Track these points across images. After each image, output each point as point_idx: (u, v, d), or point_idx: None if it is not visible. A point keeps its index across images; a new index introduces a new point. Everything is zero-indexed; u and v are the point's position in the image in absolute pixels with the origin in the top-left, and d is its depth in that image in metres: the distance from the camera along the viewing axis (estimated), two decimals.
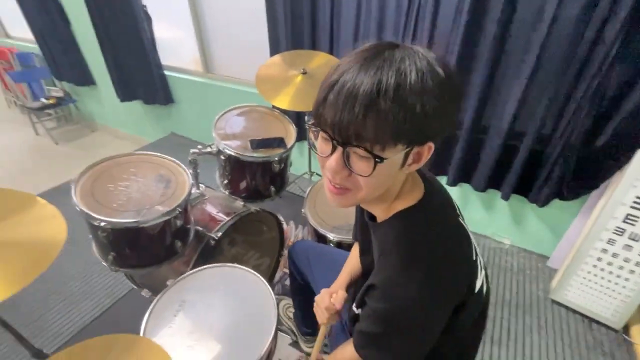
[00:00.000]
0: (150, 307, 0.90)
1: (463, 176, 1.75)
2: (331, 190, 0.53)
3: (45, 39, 3.12)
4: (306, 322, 1.31)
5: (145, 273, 1.24)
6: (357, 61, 0.44)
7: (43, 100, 3.35)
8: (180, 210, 0.98)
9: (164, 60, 2.63)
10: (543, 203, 1.58)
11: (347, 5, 1.61)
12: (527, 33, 1.31)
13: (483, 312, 0.69)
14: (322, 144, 0.50)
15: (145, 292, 1.31)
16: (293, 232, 2.01)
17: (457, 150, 1.65)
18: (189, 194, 1.02)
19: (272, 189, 1.37)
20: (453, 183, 1.76)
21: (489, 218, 1.89)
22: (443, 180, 1.81)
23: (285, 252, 1.63)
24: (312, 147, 1.93)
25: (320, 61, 1.54)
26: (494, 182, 1.68)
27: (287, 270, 1.71)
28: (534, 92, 1.40)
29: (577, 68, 1.28)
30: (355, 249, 0.98)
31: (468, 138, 1.59)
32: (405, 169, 0.51)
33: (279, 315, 0.93)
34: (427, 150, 0.50)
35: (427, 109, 0.43)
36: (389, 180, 0.52)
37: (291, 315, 1.45)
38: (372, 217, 0.66)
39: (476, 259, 0.61)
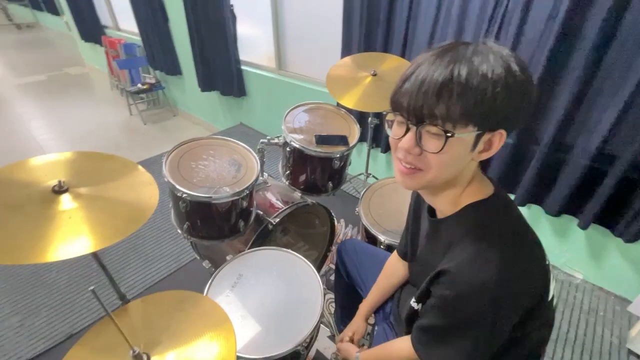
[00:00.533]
0: (213, 275, 1.00)
1: (534, 197, 1.61)
2: (402, 171, 0.55)
3: (147, 32, 3.58)
4: (344, 321, 1.33)
5: (210, 245, 1.38)
6: (432, 55, 0.49)
7: (139, 85, 3.86)
8: (247, 192, 1.07)
9: (242, 56, 2.85)
10: (630, 239, 1.39)
11: (425, 9, 1.59)
12: (634, 47, 1.16)
13: (548, 334, 0.66)
14: (396, 128, 0.54)
15: (205, 264, 1.45)
16: (343, 230, 2.04)
17: (531, 166, 1.52)
18: (256, 179, 1.11)
19: (330, 184, 1.42)
20: (522, 203, 1.63)
21: (560, 246, 1.71)
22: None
23: (334, 248, 1.67)
24: (371, 148, 1.94)
25: (392, 64, 1.54)
26: (571, 207, 1.51)
27: (332, 266, 1.75)
28: (633, 113, 1.23)
29: None
30: (388, 267, 0.99)
31: (546, 155, 1.46)
32: (476, 155, 0.53)
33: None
34: (499, 138, 0.51)
35: (498, 94, 0.45)
36: (459, 163, 0.53)
37: (332, 310, 1.49)
38: (434, 215, 0.67)
39: (548, 265, 0.59)
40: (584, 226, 1.49)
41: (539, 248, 0.57)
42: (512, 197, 1.66)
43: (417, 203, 0.82)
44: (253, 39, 2.80)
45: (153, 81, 3.93)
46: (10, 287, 1.68)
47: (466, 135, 0.49)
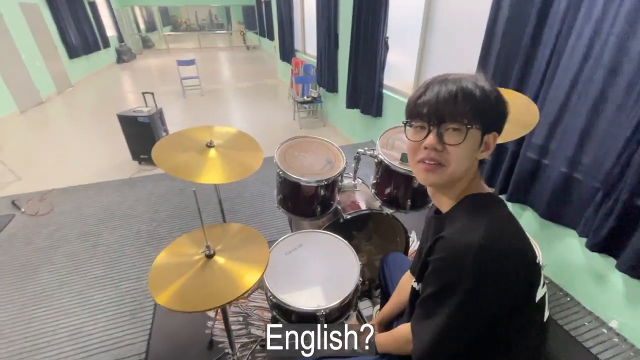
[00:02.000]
0: (283, 237, 1.31)
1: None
2: (425, 169, 0.65)
3: (321, 56, 4.40)
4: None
5: (295, 219, 1.70)
6: (437, 78, 0.65)
7: (305, 97, 4.76)
8: (326, 183, 1.33)
9: (385, 80, 3.15)
10: None
11: (573, 46, 1.44)
12: None
13: (540, 343, 0.68)
14: (414, 133, 0.66)
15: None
16: (416, 247, 2.01)
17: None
18: (337, 176, 1.35)
19: (409, 203, 1.50)
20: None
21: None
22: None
23: None
24: None
25: (520, 101, 1.47)
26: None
27: None
28: None
29: None
30: (401, 284, 1.04)
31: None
32: (479, 154, 0.65)
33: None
34: (493, 139, 0.65)
35: (493, 101, 0.62)
36: (471, 158, 0.64)
37: None
38: (433, 216, 0.76)
39: (539, 264, 0.63)
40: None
41: (531, 246, 0.62)
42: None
43: (427, 219, 0.87)
44: (398, 66, 3.06)
45: (315, 95, 4.77)
46: (185, 214, 2.52)
47: (476, 134, 0.62)
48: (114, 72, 9.33)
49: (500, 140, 1.39)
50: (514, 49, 1.71)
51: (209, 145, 1.19)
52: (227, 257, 0.94)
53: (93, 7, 9.10)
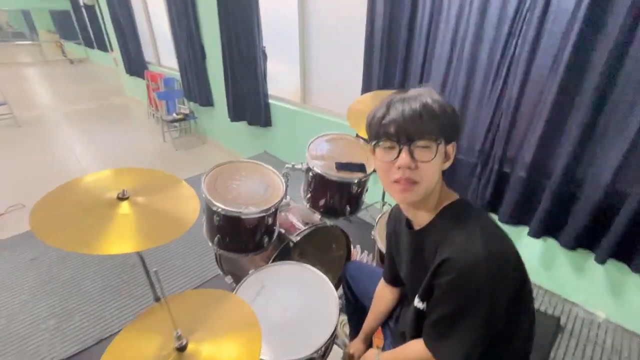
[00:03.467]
0: (239, 284, 1.10)
1: (549, 229, 1.64)
2: (402, 189, 0.66)
3: (186, 68, 3.97)
4: None
5: (235, 260, 1.48)
6: (397, 95, 0.67)
7: (174, 114, 4.21)
8: (273, 210, 1.19)
9: (270, 90, 3.11)
10: None
11: (439, 53, 1.75)
12: (636, 88, 1.25)
13: (530, 337, 0.75)
14: (384, 154, 0.67)
15: (228, 279, 1.55)
16: (358, 256, 2.10)
17: (544, 199, 1.57)
18: (282, 198, 1.23)
19: (348, 208, 1.52)
20: (536, 235, 1.65)
21: (578, 282, 1.69)
22: (524, 231, 1.71)
23: None
24: None
25: None
26: (586, 241, 1.53)
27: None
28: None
29: None
30: (377, 295, 1.06)
31: (558, 189, 1.51)
32: (443, 165, 0.68)
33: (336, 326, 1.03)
34: (452, 149, 0.69)
35: (453, 113, 0.66)
36: (439, 171, 0.68)
37: (347, 331, 1.52)
38: (413, 230, 0.77)
39: (518, 253, 0.67)
40: (600, 261, 1.49)
41: (508, 237, 0.67)
42: (526, 229, 1.70)
43: (394, 228, 0.92)
44: (281, 75, 3.07)
45: (187, 111, 4.29)
46: (50, 290, 1.82)
47: (442, 145, 0.65)
48: None
49: None
50: (393, 52, 1.95)
51: (121, 198, 0.87)
52: (206, 341, 0.71)
53: None
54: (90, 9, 8.15)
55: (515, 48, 1.49)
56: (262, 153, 3.56)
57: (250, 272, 1.22)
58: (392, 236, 0.93)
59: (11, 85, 7.57)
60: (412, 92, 0.66)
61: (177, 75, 4.37)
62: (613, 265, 1.51)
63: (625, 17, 1.20)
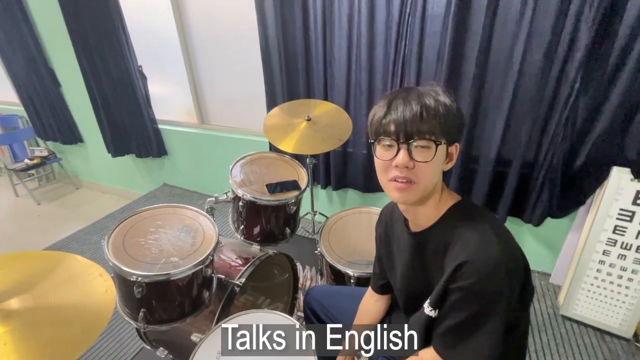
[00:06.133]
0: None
1: None
2: (399, 187, 0.64)
3: (32, 101, 3.14)
4: None
5: (175, 327, 1.20)
6: (399, 95, 0.64)
7: (27, 160, 3.28)
8: (211, 258, 0.99)
9: (158, 115, 2.71)
10: (537, 222, 1.69)
11: (338, 57, 1.79)
12: (502, 73, 1.51)
13: (527, 333, 0.76)
14: (383, 152, 0.65)
15: (160, 352, 1.25)
16: (301, 274, 2.00)
17: (451, 180, 1.77)
18: (217, 242, 1.03)
19: (287, 230, 1.41)
20: None
21: None
22: None
23: (300, 294, 1.62)
24: (313, 186, 2.01)
25: (322, 108, 1.67)
26: (489, 206, 1.79)
27: (301, 314, 1.68)
28: (514, 124, 1.56)
29: (549, 101, 1.47)
30: (364, 308, 1.01)
31: (461, 167, 1.72)
32: (445, 166, 0.67)
33: None
34: (455, 150, 0.67)
35: (456, 113, 0.64)
36: (438, 171, 0.66)
37: None
38: (412, 231, 0.74)
39: None
40: (502, 220, 1.77)
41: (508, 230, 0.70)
42: None
43: (385, 231, 0.88)
44: (169, 96, 2.70)
45: (45, 154, 3.39)
46: None
47: (443, 146, 0.63)
48: None
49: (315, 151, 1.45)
50: (292, 60, 1.91)
51: None
52: None
53: None
54: None
55: (405, 48, 1.63)
56: (161, 186, 3.09)
57: (194, 338, 0.99)
58: (382, 239, 0.88)
59: None
60: (415, 91, 0.64)
61: (19, 110, 3.42)
62: (511, 221, 1.81)
63: (484, 16, 1.42)
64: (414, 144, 0.61)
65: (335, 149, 2.01)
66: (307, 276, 1.97)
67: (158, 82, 2.63)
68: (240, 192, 1.24)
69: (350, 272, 1.28)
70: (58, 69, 2.90)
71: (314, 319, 1.14)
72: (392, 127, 0.62)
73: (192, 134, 2.65)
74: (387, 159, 0.64)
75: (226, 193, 1.30)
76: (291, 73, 1.95)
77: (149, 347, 1.31)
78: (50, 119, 3.14)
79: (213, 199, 1.28)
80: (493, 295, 0.59)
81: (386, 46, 1.66)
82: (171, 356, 1.25)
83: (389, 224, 0.86)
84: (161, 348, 1.25)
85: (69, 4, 2.36)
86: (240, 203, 1.27)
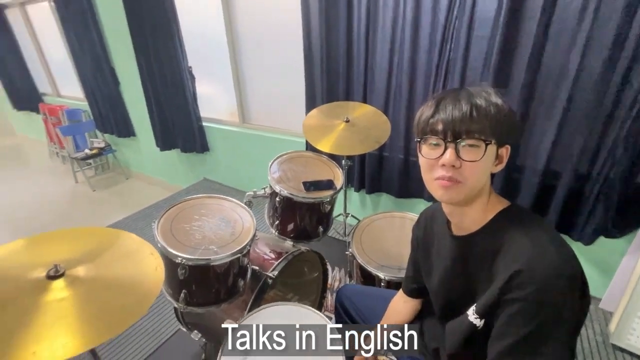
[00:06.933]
0: (221, 349, 0.92)
1: None
2: (444, 185, 0.62)
3: (95, 97, 3.46)
4: None
5: (211, 311, 1.26)
6: (448, 95, 0.63)
7: (87, 150, 3.63)
8: (248, 248, 1.04)
9: (203, 113, 2.88)
10: (588, 241, 1.57)
11: (380, 60, 1.79)
12: (555, 81, 1.42)
13: None
14: (429, 150, 0.64)
15: (194, 335, 1.32)
16: (330, 274, 2.01)
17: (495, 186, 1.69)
18: (254, 234, 1.08)
19: (320, 229, 1.42)
20: None
21: None
22: None
23: (328, 294, 1.63)
24: (346, 189, 2.02)
25: (360, 111, 1.68)
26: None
27: (329, 314, 1.69)
28: (566, 134, 1.46)
29: (608, 112, 1.36)
30: (393, 309, 0.99)
31: (504, 177, 1.64)
32: (493, 167, 0.65)
33: None
34: (506, 152, 0.65)
35: (507, 115, 0.62)
36: (487, 173, 0.64)
37: None
38: (457, 236, 0.72)
39: None
40: None
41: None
42: None
43: (424, 234, 0.87)
44: (214, 96, 2.86)
45: (102, 145, 3.73)
46: None
47: (492, 146, 0.61)
48: None
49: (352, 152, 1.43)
50: (333, 63, 1.94)
51: (53, 276, 0.64)
52: None
53: None
54: None
55: (449, 52, 1.59)
56: (202, 180, 3.26)
57: (226, 325, 1.04)
58: (420, 242, 0.87)
59: None
60: (464, 91, 0.63)
61: (84, 105, 3.80)
62: None
63: (538, 20, 1.36)
64: (462, 143, 0.60)
65: (371, 153, 2.01)
66: (336, 277, 1.98)
67: (204, 82, 2.79)
68: (277, 188, 1.28)
69: (381, 275, 1.27)
70: (118, 68, 3.18)
71: (345, 316, 1.15)
72: (440, 126, 0.62)
73: (233, 132, 2.77)
74: (433, 158, 0.63)
75: (264, 188, 1.35)
76: (332, 75, 1.98)
77: (184, 329, 1.39)
78: (109, 114, 3.45)
79: (252, 193, 1.33)
80: (555, 305, 0.54)
81: (430, 50, 1.64)
82: (204, 340, 1.32)
83: (429, 226, 0.85)
84: (195, 331, 1.32)
85: (134, 11, 2.59)
86: (277, 199, 1.31)
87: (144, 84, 2.86)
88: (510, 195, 1.68)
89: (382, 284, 1.27)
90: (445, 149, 0.61)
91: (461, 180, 0.62)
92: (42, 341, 0.56)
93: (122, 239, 0.84)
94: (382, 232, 1.49)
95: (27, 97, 4.54)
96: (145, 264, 0.76)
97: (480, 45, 1.52)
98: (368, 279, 1.35)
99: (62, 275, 0.65)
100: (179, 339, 1.58)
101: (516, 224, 0.63)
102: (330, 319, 1.67)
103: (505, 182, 1.66)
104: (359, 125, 1.60)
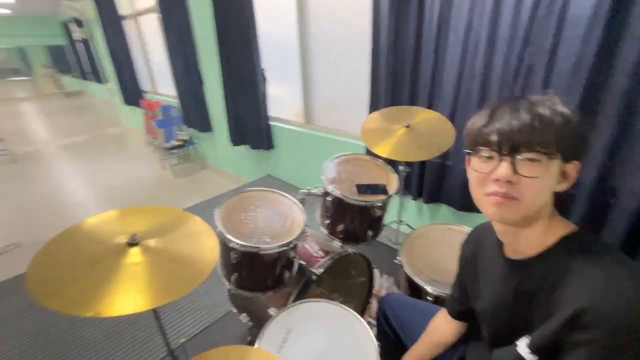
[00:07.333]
0: (262, 330, 0.98)
1: None
2: (498, 202, 0.56)
3: (184, 95, 3.94)
4: None
5: (252, 298, 1.36)
6: (506, 103, 0.57)
7: (173, 142, 4.14)
8: (296, 242, 1.09)
9: (271, 112, 3.06)
10: None
11: (450, 64, 1.70)
12: None
13: None
14: (481, 163, 0.59)
15: (243, 317, 1.42)
16: (377, 280, 1.97)
17: (575, 211, 1.48)
18: (304, 230, 1.13)
19: (369, 233, 1.41)
20: None
21: None
22: None
23: (373, 300, 1.61)
24: (402, 196, 1.96)
25: (423, 116, 1.62)
26: (628, 251, 1.43)
27: (371, 319, 1.66)
28: None
29: None
30: (434, 328, 0.93)
31: (591, 199, 1.42)
32: (557, 186, 0.57)
33: None
34: (574, 170, 0.57)
35: (577, 125, 0.54)
36: (548, 191, 0.57)
37: None
38: (510, 259, 0.65)
39: None
40: None
41: None
42: None
43: (473, 253, 0.81)
44: (282, 96, 3.03)
45: (186, 138, 4.22)
46: (46, 342, 1.67)
47: (555, 165, 0.54)
48: None
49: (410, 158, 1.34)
50: (400, 67, 1.90)
51: (132, 243, 0.77)
52: None
53: None
54: (85, 42, 8.24)
55: (531, 56, 1.44)
56: (265, 176, 3.47)
57: (273, 314, 1.10)
58: (468, 261, 0.81)
59: (6, 121, 7.53)
60: (525, 99, 0.57)
61: (174, 102, 4.34)
62: None
63: None
64: (520, 156, 0.54)
65: (433, 161, 1.92)
66: (383, 284, 1.94)
67: (273, 83, 2.97)
68: (330, 188, 1.31)
69: (429, 289, 1.21)
70: (204, 70, 3.56)
71: (385, 324, 1.12)
72: (495, 137, 0.56)
73: (297, 132, 2.89)
74: (484, 172, 0.57)
75: (317, 187, 1.39)
76: (397, 79, 1.94)
77: (234, 311, 1.50)
78: (193, 110, 3.88)
79: (306, 190, 1.38)
80: (634, 352, 0.46)
81: (508, 53, 1.50)
82: (251, 323, 1.41)
83: (479, 245, 0.79)
84: (244, 314, 1.42)
85: (221, 21, 2.88)
86: (329, 198, 1.34)
87: (224, 84, 3.16)
88: (597, 221, 1.45)
89: (429, 298, 1.21)
90: (500, 162, 0.55)
91: (517, 197, 0.55)
92: (118, 295, 0.68)
93: (190, 221, 0.96)
94: (436, 244, 1.41)
95: (133, 94, 5.36)
96: (204, 245, 0.85)
97: (571, 47, 1.34)
98: (415, 291, 1.30)
99: (138, 244, 0.77)
100: (230, 319, 1.71)
101: (584, 253, 0.54)
102: (371, 325, 1.65)
103: (593, 205, 1.43)
104: (420, 131, 1.55)
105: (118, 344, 1.63)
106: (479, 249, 0.77)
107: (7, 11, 9.10)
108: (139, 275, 0.73)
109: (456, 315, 0.88)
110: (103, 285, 0.69)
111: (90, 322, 1.76)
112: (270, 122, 3.09)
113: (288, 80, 2.84)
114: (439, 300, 1.20)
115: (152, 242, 0.80)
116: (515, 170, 0.54)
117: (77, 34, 7.06)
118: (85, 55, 9.00)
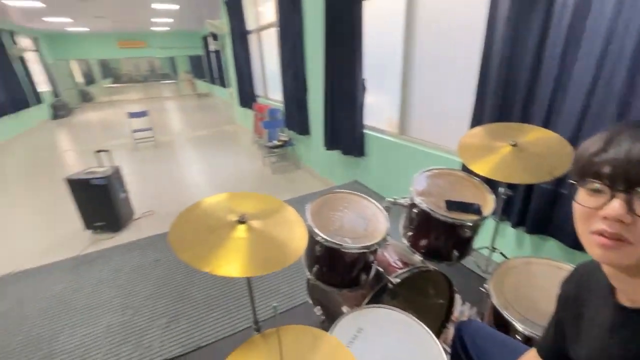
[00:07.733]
0: (334, 324, 1.04)
1: None
2: (605, 244, 0.50)
3: (289, 100, 4.35)
4: None
5: (329, 292, 1.44)
6: (631, 128, 0.49)
7: (275, 142, 4.61)
8: (376, 247, 1.12)
9: (366, 121, 3.14)
10: None
11: (578, 77, 1.48)
12: None
13: None
14: (588, 197, 0.52)
15: (317, 310, 1.51)
16: (459, 307, 1.83)
17: None
18: (385, 236, 1.15)
19: (455, 253, 1.34)
20: None
21: None
22: None
23: (450, 325, 1.51)
24: (499, 221, 1.78)
25: (536, 135, 1.45)
26: None
27: (446, 347, 1.56)
28: None
29: None
30: None
31: None
32: None
33: None
34: None
35: None
36: None
37: None
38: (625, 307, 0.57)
39: None
40: None
41: None
42: None
43: (577, 293, 0.71)
44: (378, 105, 3.08)
45: (286, 139, 4.65)
46: (167, 291, 2.08)
47: None
48: (49, 130, 8.39)
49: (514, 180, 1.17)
50: (512, 81, 1.74)
51: (241, 221, 0.93)
52: None
53: (22, 62, 8.32)
54: (217, 53, 9.83)
55: None
56: (353, 182, 3.56)
57: (346, 311, 1.15)
58: (570, 301, 0.73)
59: (155, 114, 9.54)
60: None
61: (280, 106, 4.82)
62: None
63: None
64: (638, 193, 0.46)
65: (543, 186, 1.69)
66: (464, 312, 1.79)
67: (372, 91, 3.04)
68: (417, 200, 1.30)
69: (520, 327, 1.09)
70: (309, 80, 3.87)
71: (462, 353, 1.06)
72: (607, 169, 0.49)
73: (389, 142, 2.90)
74: (590, 206, 0.51)
75: (404, 198, 1.39)
76: (509, 93, 1.78)
77: (310, 302, 1.61)
78: (295, 115, 4.25)
79: (392, 199, 1.40)
80: None
81: None
82: (323, 317, 1.50)
83: (585, 285, 0.69)
84: (318, 307, 1.52)
85: (330, 33, 3.11)
86: (415, 210, 1.32)
87: (325, 94, 3.39)
88: None
89: (518, 337, 1.09)
90: (612, 197, 0.48)
91: (632, 242, 0.47)
92: (223, 260, 0.83)
93: (286, 210, 1.09)
94: (534, 280, 1.25)
95: (248, 97, 6.16)
96: (295, 232, 0.97)
97: None
98: (500, 326, 1.18)
99: (245, 222, 0.93)
100: (304, 309, 1.84)
101: None
102: (445, 352, 1.56)
103: None
104: (530, 151, 1.39)
105: (214, 308, 1.92)
106: (585, 290, 0.68)
107: (166, 28, 11.61)
108: (242, 248, 0.88)
109: (548, 356, 0.78)
110: (218, 250, 0.85)
111: (196, 284, 2.11)
112: (365, 131, 3.17)
113: (386, 89, 2.88)
114: (530, 342, 1.07)
115: (255, 223, 0.95)
116: (630, 209, 0.47)
117: (212, 46, 8.50)
118: (216, 64, 10.77)
